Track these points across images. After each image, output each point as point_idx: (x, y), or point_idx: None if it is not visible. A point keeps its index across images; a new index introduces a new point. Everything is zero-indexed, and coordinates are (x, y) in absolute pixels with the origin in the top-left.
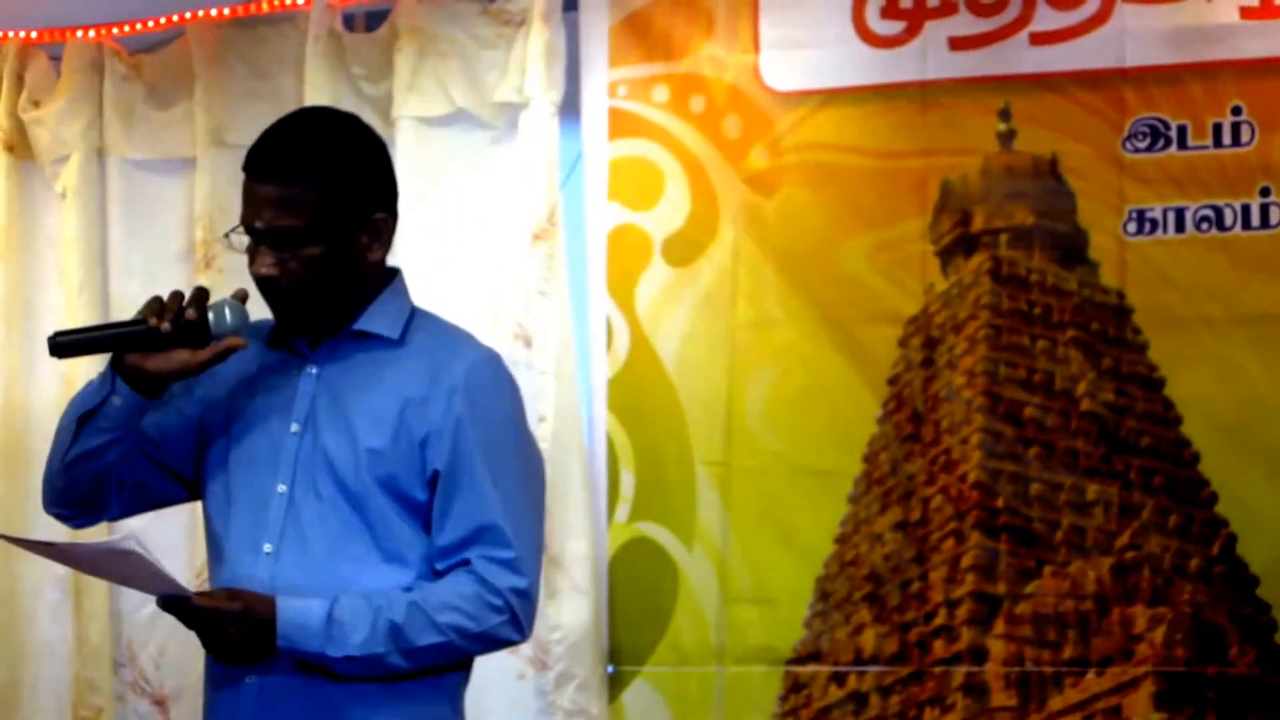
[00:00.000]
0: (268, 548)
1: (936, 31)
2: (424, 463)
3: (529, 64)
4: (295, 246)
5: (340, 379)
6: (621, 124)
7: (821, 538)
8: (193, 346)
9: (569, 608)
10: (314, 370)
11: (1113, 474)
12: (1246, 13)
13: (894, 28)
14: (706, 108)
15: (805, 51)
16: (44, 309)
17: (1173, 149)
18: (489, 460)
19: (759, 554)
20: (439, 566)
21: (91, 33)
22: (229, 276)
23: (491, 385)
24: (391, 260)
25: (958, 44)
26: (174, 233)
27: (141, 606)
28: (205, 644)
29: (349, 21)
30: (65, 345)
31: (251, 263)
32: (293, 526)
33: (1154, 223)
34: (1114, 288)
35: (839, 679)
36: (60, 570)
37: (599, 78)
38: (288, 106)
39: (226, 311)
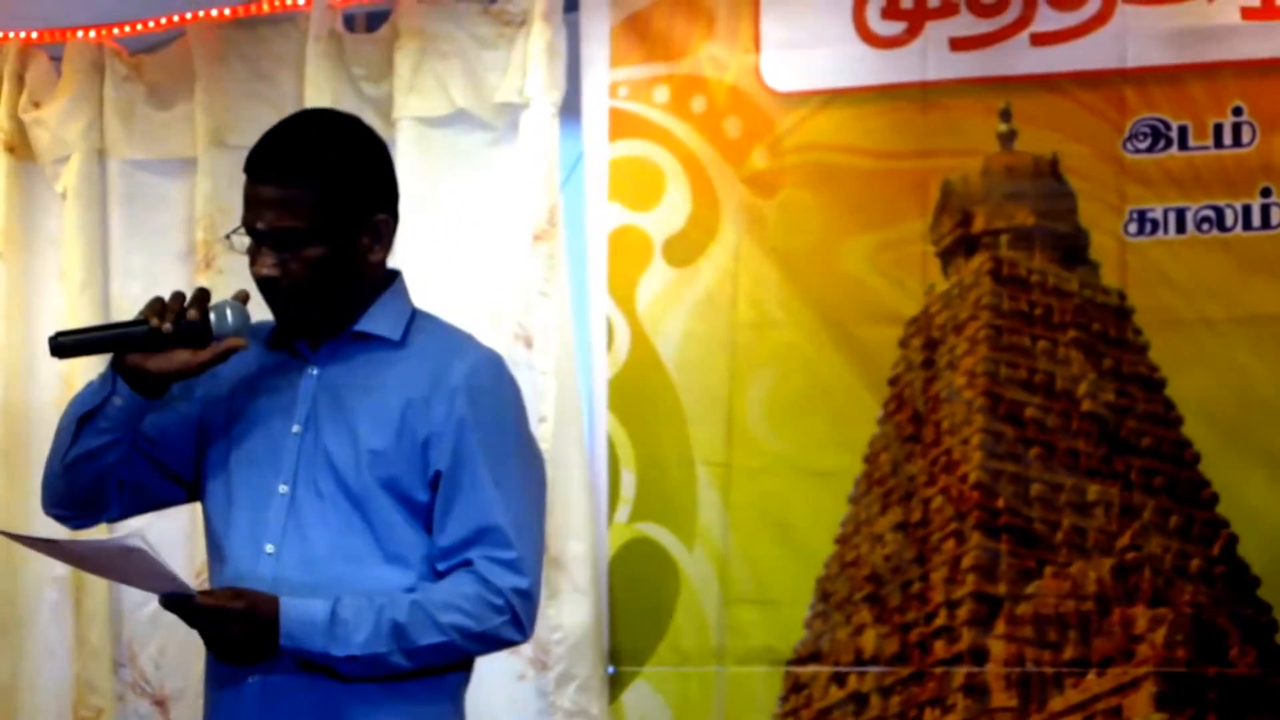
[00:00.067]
0: (269, 548)
1: (937, 32)
2: (426, 463)
3: (530, 64)
4: (296, 247)
5: (341, 380)
6: (622, 124)
7: (822, 538)
8: (194, 347)
9: (569, 608)
10: (315, 371)
11: (1114, 474)
12: (1247, 13)
13: (895, 28)
14: (707, 108)
15: (806, 52)
16: (44, 309)
17: (1174, 149)
18: (491, 461)
19: (759, 554)
20: (440, 567)
21: (92, 33)
22: (229, 277)
23: (493, 386)
24: (392, 260)
25: (958, 44)
26: (174, 233)
27: (142, 606)
28: (208, 643)
29: (349, 22)
30: (66, 345)
31: (252, 264)
32: (294, 527)
33: (1155, 223)
34: (1115, 288)
35: (839, 679)
36: (60, 570)
37: (599, 78)
38: (288, 107)
39: (228, 312)
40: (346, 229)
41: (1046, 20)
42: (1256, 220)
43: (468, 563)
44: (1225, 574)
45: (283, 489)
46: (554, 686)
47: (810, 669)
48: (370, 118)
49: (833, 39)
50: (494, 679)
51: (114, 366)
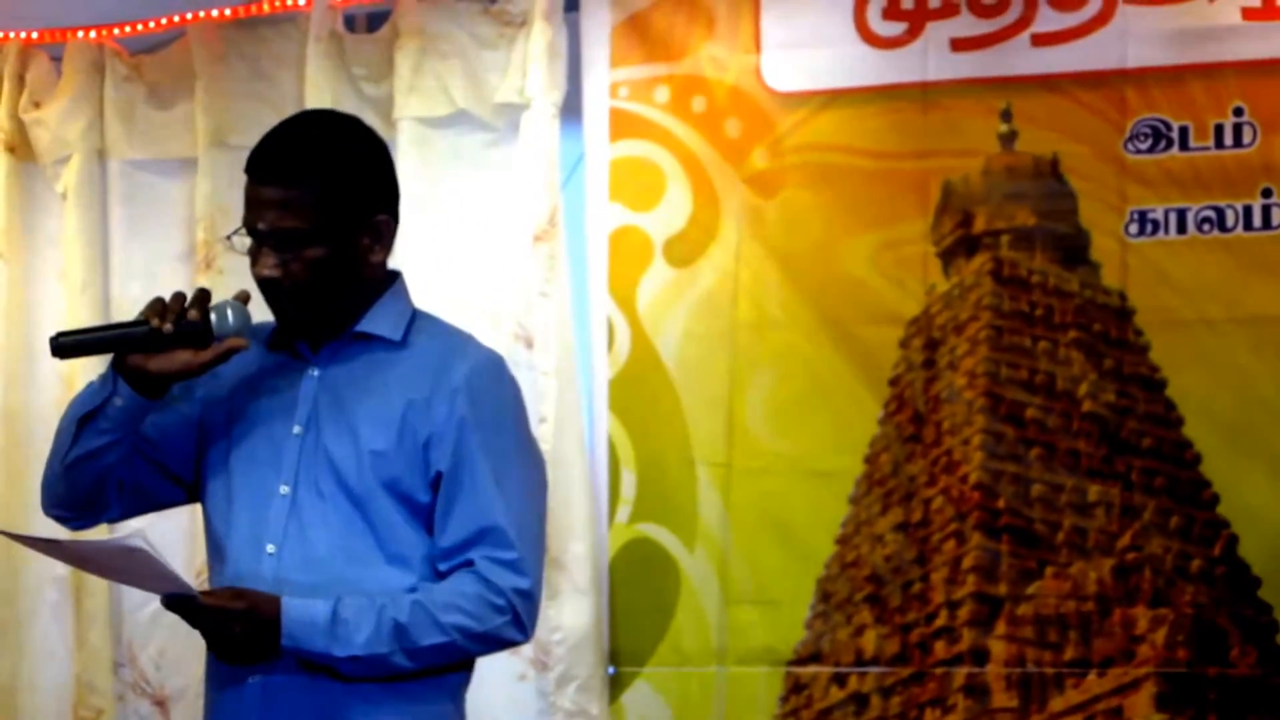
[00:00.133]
0: (270, 548)
1: (938, 32)
2: (427, 464)
3: (530, 65)
4: (298, 248)
5: (342, 381)
6: (623, 125)
7: (822, 539)
8: (195, 348)
9: (570, 608)
10: (315, 372)
11: (1114, 475)
12: (1248, 14)
13: (895, 29)
14: (708, 108)
15: (807, 52)
16: (45, 310)
17: (1174, 150)
18: (492, 461)
19: (760, 555)
20: (442, 567)
21: (92, 33)
22: (230, 277)
23: (494, 387)
24: (392, 261)
25: (959, 45)
26: (175, 233)
27: (142, 607)
28: (210, 643)
29: (350, 22)
30: (68, 346)
31: (253, 264)
32: (295, 527)
33: (1156, 224)
34: (1115, 289)
35: (840, 680)
36: (60, 570)
37: (600, 78)
38: (289, 107)
39: (229, 313)
40: (347, 229)
41: (1047, 21)
42: (1257, 221)
43: (469, 563)
44: (1226, 574)
45: (284, 490)
46: (554, 687)
47: (811, 669)
48: (370, 118)
49: (833, 39)
50: (494, 679)
51: (115, 367)
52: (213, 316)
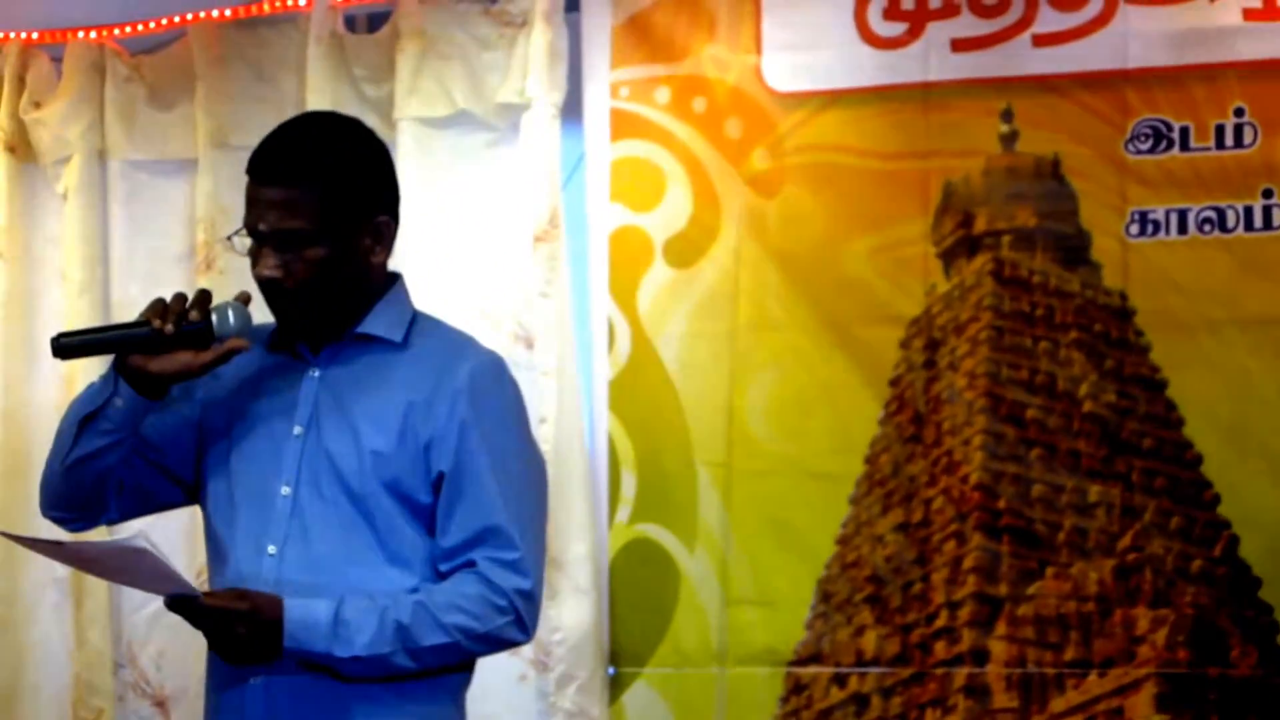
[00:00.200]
0: (271, 549)
1: (939, 33)
2: (428, 465)
3: (531, 65)
4: (299, 248)
5: (343, 382)
6: (623, 125)
7: (823, 539)
8: (196, 349)
9: (570, 609)
10: (316, 373)
11: (1115, 475)
12: (1249, 14)
13: (896, 29)
14: (708, 109)
15: (807, 53)
16: (45, 310)
17: (1175, 150)
18: (493, 462)
19: (760, 555)
20: (443, 568)
21: (93, 34)
22: (230, 278)
23: (495, 388)
24: (393, 261)
25: (960, 45)
26: (175, 234)
27: (142, 607)
28: (212, 644)
29: (350, 23)
30: (69, 347)
31: (254, 265)
32: (297, 528)
33: (1156, 224)
34: (1116, 289)
35: (840, 680)
36: (61, 571)
37: (601, 79)
38: (289, 108)
39: (229, 314)
40: (349, 230)
41: (1048, 21)
42: (1258, 221)
43: (471, 563)
44: (1227, 575)
45: (285, 490)
46: (554, 687)
47: (811, 670)
48: (371, 118)
49: (834, 40)
50: (495, 680)
51: (116, 368)
52: (214, 317)
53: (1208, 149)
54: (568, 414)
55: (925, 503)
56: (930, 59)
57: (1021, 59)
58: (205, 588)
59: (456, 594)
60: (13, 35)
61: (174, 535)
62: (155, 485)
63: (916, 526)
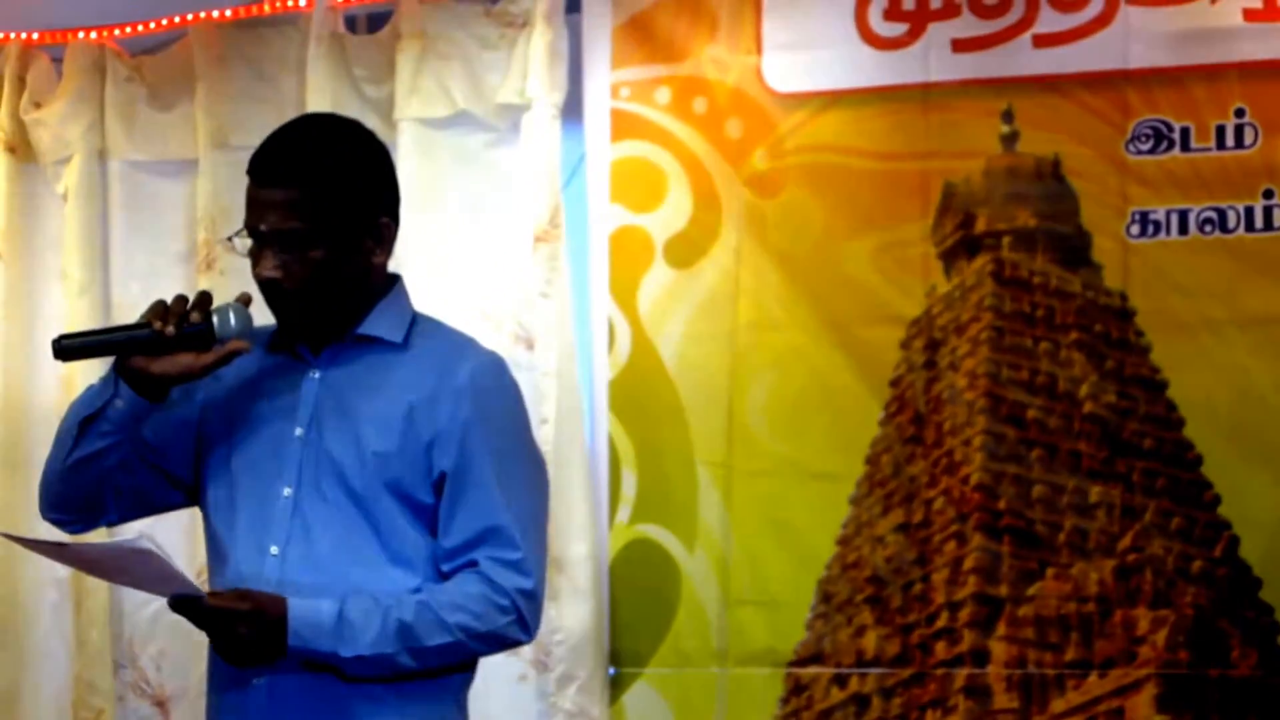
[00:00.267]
0: (273, 550)
1: (939, 33)
2: (430, 465)
3: (531, 65)
4: (300, 249)
5: (344, 383)
6: (624, 125)
7: (823, 539)
8: (197, 350)
9: (570, 609)
10: (316, 374)
11: (1115, 476)
12: (1250, 15)
13: (897, 30)
14: (709, 109)
15: (808, 53)
16: (45, 311)
17: (1176, 151)
18: (495, 462)
19: (760, 556)
20: (445, 568)
21: (93, 34)
22: (230, 278)
23: (496, 388)
24: (393, 261)
25: (960, 46)
26: (175, 234)
27: (142, 608)
28: (216, 645)
29: (351, 23)
30: (70, 348)
31: (255, 266)
32: (299, 529)
33: (1157, 225)
34: (1117, 290)
35: (841, 681)
36: (61, 572)
37: (601, 79)
38: (289, 108)
39: (230, 315)
40: (349, 231)
41: (1049, 22)
42: (1259, 222)
43: (473, 563)
44: (1227, 576)
45: (286, 492)
46: (555, 688)
47: (811, 670)
48: (371, 119)
49: (834, 40)
50: (495, 680)
51: (116, 370)
52: (214, 319)
53: (1208, 149)
54: (568, 414)
55: (926, 503)
56: (931, 59)
57: (1022, 59)
58: (206, 589)
59: (459, 594)
60: (13, 35)
61: (174, 535)
62: (154, 487)
63: (917, 527)
